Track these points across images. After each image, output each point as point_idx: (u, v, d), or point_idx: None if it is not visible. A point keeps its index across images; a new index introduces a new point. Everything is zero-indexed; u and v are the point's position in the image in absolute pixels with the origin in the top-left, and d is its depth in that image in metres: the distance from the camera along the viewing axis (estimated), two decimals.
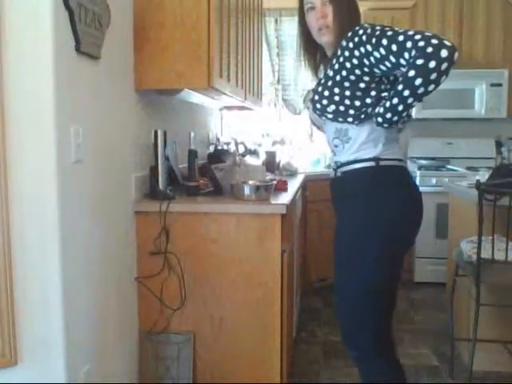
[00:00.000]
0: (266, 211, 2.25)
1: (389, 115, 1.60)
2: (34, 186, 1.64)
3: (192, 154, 2.65)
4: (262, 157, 3.90)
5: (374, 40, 1.58)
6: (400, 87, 1.54)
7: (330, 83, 1.71)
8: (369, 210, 1.67)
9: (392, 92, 1.59)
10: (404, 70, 1.54)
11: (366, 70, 1.64)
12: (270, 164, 3.81)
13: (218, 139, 3.94)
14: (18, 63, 1.58)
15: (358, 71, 1.65)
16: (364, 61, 1.62)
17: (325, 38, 1.75)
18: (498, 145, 4.66)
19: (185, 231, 2.30)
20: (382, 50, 1.56)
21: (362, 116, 1.68)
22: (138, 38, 2.28)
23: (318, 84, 1.79)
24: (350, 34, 1.66)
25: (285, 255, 2.28)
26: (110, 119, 2.07)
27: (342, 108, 1.69)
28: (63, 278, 1.70)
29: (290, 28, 4.73)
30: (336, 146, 1.78)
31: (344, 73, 1.67)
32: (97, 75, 1.94)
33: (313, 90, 1.82)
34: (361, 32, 1.63)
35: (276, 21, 4.74)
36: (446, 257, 3.51)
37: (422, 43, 1.47)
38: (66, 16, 1.69)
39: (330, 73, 1.72)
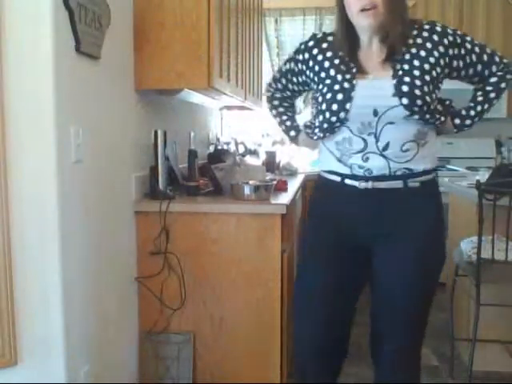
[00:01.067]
0: (266, 211, 2.25)
1: (476, 120, 1.75)
2: (34, 186, 1.64)
3: (192, 154, 2.65)
4: (262, 157, 3.90)
5: (468, 45, 1.65)
6: (492, 95, 1.72)
7: (427, 77, 1.58)
8: (443, 221, 1.74)
9: (481, 99, 1.72)
10: (479, 79, 1.71)
11: (448, 71, 1.65)
12: (270, 164, 3.80)
13: (218, 139, 3.94)
14: (18, 63, 1.58)
15: (446, 70, 1.64)
16: (453, 62, 1.64)
17: (369, 20, 1.56)
18: (498, 145, 4.66)
19: (185, 231, 2.30)
20: (474, 57, 1.66)
21: (443, 119, 1.67)
22: (138, 37, 2.28)
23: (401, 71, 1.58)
24: (438, 29, 1.62)
25: (285, 255, 2.28)
26: (110, 119, 2.07)
27: (432, 106, 1.59)
28: (63, 277, 1.70)
29: (290, 28, 4.73)
30: (405, 151, 1.60)
31: (438, 70, 1.61)
32: (97, 75, 1.94)
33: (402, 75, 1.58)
34: (451, 32, 1.63)
35: (276, 21, 4.74)
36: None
37: (506, 61, 1.70)
38: (66, 16, 1.69)
39: (425, 65, 1.58)
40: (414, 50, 1.59)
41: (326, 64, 1.66)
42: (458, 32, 1.65)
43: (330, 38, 1.71)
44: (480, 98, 1.72)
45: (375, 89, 1.58)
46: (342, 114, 1.58)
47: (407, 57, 1.59)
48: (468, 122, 1.74)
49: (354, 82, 1.59)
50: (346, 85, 1.59)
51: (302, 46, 1.75)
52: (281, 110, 1.95)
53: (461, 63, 1.65)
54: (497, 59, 1.69)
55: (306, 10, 4.71)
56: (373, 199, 1.62)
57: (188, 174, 2.62)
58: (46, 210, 1.65)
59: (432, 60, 1.59)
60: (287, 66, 1.82)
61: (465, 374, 2.60)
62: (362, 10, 1.55)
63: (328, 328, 1.73)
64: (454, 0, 4.40)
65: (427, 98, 1.55)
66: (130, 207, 2.29)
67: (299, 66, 1.77)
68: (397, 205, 1.63)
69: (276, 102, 1.95)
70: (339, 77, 1.61)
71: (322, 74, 1.66)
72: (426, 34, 1.62)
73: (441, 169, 4.39)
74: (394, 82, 1.56)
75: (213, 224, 2.28)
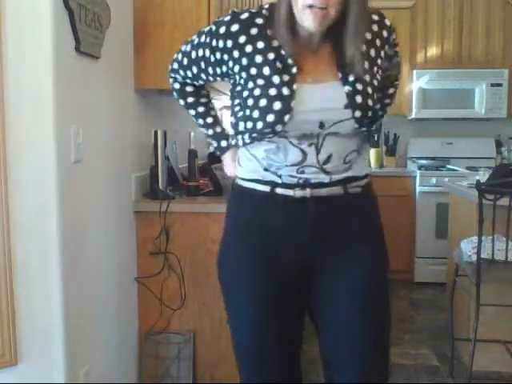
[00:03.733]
0: None
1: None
2: (34, 186, 1.64)
3: (192, 154, 2.65)
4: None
5: (396, 47, 1.49)
6: (391, 91, 1.60)
7: (375, 82, 1.35)
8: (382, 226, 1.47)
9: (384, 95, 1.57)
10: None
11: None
12: None
13: None
14: (18, 63, 1.58)
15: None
16: (383, 61, 1.41)
17: (314, 23, 1.23)
18: (498, 145, 4.66)
19: (185, 231, 2.30)
20: (394, 61, 1.53)
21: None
22: (138, 37, 2.28)
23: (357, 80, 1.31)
24: (387, 22, 1.39)
25: None
26: (110, 119, 2.07)
27: (379, 115, 1.40)
28: (63, 277, 1.70)
29: None
30: (347, 162, 1.35)
31: (380, 72, 1.38)
32: (97, 75, 1.94)
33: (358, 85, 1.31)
34: (393, 28, 1.42)
35: None
36: (446, 257, 3.51)
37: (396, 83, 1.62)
38: (66, 16, 1.69)
39: (374, 68, 1.36)
40: (363, 48, 1.32)
41: (258, 59, 1.29)
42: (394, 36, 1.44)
43: (259, 21, 1.30)
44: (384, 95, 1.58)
45: (323, 98, 1.28)
46: (278, 127, 1.26)
47: (357, 56, 1.30)
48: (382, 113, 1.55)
49: (295, 86, 1.26)
50: (285, 91, 1.26)
51: (222, 30, 1.31)
52: (201, 109, 1.60)
53: (385, 64, 1.44)
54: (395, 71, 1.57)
55: None
56: (311, 210, 1.32)
57: (188, 174, 2.62)
58: (45, 210, 1.65)
59: (379, 61, 1.37)
60: (199, 53, 1.39)
61: (465, 374, 2.60)
62: (310, 7, 1.20)
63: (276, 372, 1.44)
64: (453, 0, 4.41)
65: (376, 107, 1.33)
66: (130, 207, 2.29)
67: (218, 55, 1.34)
68: (339, 215, 1.35)
69: (191, 99, 1.58)
70: (276, 78, 1.27)
71: (253, 71, 1.29)
72: (375, 27, 1.36)
73: (441, 169, 4.40)
74: (346, 90, 1.28)
75: (213, 224, 2.28)
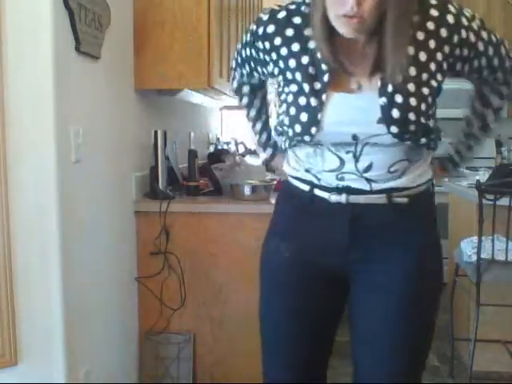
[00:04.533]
0: (265, 211, 2.25)
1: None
2: (34, 186, 1.64)
3: (192, 154, 2.65)
4: (262, 157, 3.89)
5: (481, 46, 1.23)
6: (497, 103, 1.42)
7: (425, 91, 1.18)
8: (439, 245, 1.41)
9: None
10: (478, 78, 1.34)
11: (447, 75, 1.24)
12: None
13: (218, 139, 3.94)
14: (18, 63, 1.58)
15: (446, 75, 1.23)
16: (457, 65, 1.23)
17: (349, 30, 1.09)
18: (498, 145, 4.66)
19: (185, 231, 2.30)
20: (484, 61, 1.26)
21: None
22: (138, 37, 2.28)
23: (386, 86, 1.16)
24: (451, 19, 1.17)
25: None
26: (110, 119, 2.07)
27: (429, 127, 1.24)
28: (63, 277, 1.69)
29: None
30: (394, 172, 1.23)
31: (439, 77, 1.20)
32: (97, 75, 1.94)
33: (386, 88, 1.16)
34: (466, 25, 1.19)
35: None
36: (446, 257, 3.49)
37: None
38: (66, 16, 1.69)
39: (423, 74, 1.17)
40: (411, 51, 1.15)
41: (292, 63, 1.21)
42: (474, 24, 1.20)
43: (297, 20, 1.21)
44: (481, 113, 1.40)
45: (354, 111, 1.17)
46: (306, 138, 1.20)
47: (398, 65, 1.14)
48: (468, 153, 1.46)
49: (324, 97, 1.17)
50: (313, 101, 1.17)
51: (260, 31, 1.25)
52: (252, 113, 1.54)
53: (466, 67, 1.24)
54: (507, 65, 1.30)
55: None
56: (345, 216, 1.24)
57: (188, 174, 2.62)
58: (45, 210, 1.65)
59: (433, 66, 1.17)
60: (247, 52, 1.33)
61: (465, 374, 2.60)
62: (344, 16, 1.08)
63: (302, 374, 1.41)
64: (453, 0, 4.40)
65: (422, 120, 1.17)
66: (130, 207, 2.29)
67: (260, 55, 1.28)
68: (378, 226, 1.26)
69: (245, 100, 1.53)
70: (306, 86, 1.19)
71: (288, 75, 1.22)
72: (431, 25, 1.16)
73: None
74: (382, 102, 1.15)
75: (213, 224, 2.28)
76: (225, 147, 3.63)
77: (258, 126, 1.55)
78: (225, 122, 4.26)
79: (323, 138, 1.19)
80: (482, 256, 2.35)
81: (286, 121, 1.22)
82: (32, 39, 1.59)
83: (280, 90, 1.27)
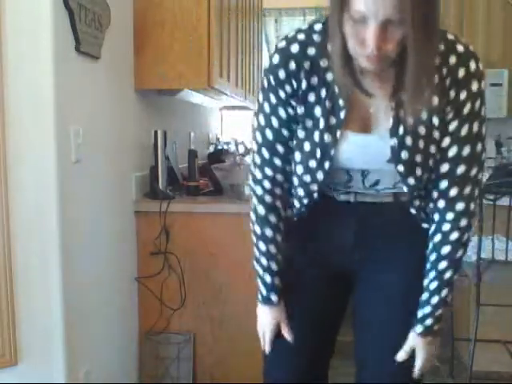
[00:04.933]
0: None
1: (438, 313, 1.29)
2: (34, 186, 1.64)
3: (192, 154, 2.65)
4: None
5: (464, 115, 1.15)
6: (448, 274, 1.23)
7: (436, 134, 1.15)
8: None
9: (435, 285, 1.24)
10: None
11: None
12: None
13: (217, 139, 3.94)
14: (18, 63, 1.58)
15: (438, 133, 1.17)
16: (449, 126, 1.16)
17: (373, 66, 1.05)
18: (498, 145, 4.66)
19: (185, 231, 2.30)
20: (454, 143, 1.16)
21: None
22: (138, 37, 2.28)
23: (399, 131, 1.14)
24: (451, 60, 1.12)
25: None
26: (110, 119, 2.07)
27: (430, 165, 1.19)
28: (63, 277, 1.70)
29: (290, 28, 4.73)
30: (397, 187, 1.25)
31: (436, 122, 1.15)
32: (97, 75, 1.94)
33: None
34: (475, 87, 1.13)
35: (276, 21, 4.74)
36: None
37: (472, 207, 1.20)
38: (66, 16, 1.69)
39: (434, 118, 1.14)
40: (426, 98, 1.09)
41: (312, 97, 1.16)
42: (473, 87, 1.13)
43: (311, 52, 1.14)
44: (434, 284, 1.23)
45: (365, 151, 1.17)
46: (319, 174, 1.20)
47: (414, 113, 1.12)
48: (429, 321, 1.25)
49: (338, 134, 1.15)
50: (327, 137, 1.15)
51: (282, 74, 1.15)
52: (272, 249, 1.29)
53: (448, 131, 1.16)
54: (468, 185, 1.18)
55: (306, 10, 4.71)
56: (353, 216, 1.27)
57: (188, 174, 2.62)
58: (45, 210, 1.65)
59: (440, 116, 1.14)
60: (281, 114, 1.19)
61: (465, 374, 2.60)
62: (368, 57, 1.02)
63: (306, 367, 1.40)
64: (453, 0, 4.40)
65: (429, 165, 1.17)
66: (130, 207, 2.29)
67: (289, 108, 1.19)
68: (383, 225, 1.27)
69: (270, 232, 1.28)
70: (322, 122, 1.15)
71: (307, 110, 1.18)
72: (445, 71, 1.11)
73: None
74: (392, 143, 1.14)
75: (213, 224, 2.28)
76: (225, 147, 3.63)
77: (274, 265, 1.30)
78: (225, 122, 4.26)
79: (333, 169, 1.20)
80: (482, 256, 2.35)
81: (298, 157, 1.21)
82: (32, 39, 1.59)
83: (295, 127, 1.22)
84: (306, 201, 1.26)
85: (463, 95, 1.12)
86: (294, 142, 1.21)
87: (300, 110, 1.17)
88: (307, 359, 1.38)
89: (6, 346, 1.64)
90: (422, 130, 1.13)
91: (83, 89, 1.83)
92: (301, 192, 1.25)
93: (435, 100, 1.11)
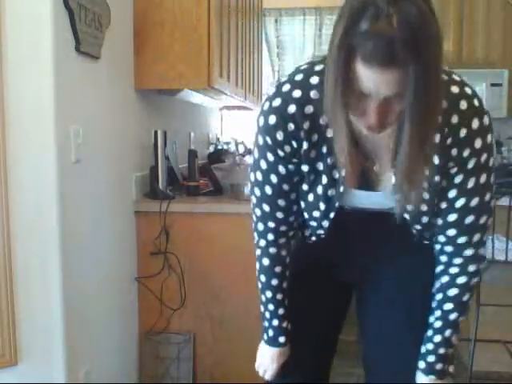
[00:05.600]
0: None
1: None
2: (34, 186, 1.64)
3: (192, 154, 2.65)
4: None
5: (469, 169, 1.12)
6: (453, 316, 1.27)
7: (439, 184, 1.13)
8: None
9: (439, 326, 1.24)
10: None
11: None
12: None
13: (217, 139, 3.94)
14: (18, 63, 1.58)
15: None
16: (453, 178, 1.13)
17: (370, 134, 1.03)
18: (498, 145, 4.66)
19: (185, 231, 2.30)
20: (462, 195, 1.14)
21: None
22: (138, 37, 2.28)
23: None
24: (453, 120, 1.06)
25: None
26: (110, 119, 2.07)
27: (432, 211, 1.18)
28: (63, 277, 1.70)
29: (290, 28, 4.74)
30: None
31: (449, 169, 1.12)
32: (97, 75, 1.94)
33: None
34: (480, 144, 1.10)
35: (276, 21, 4.74)
36: None
37: (481, 252, 1.19)
38: (66, 16, 1.69)
39: (435, 177, 1.12)
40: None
41: (313, 154, 1.13)
42: (477, 144, 1.09)
43: (309, 110, 1.08)
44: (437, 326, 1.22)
45: (369, 203, 1.18)
46: (324, 222, 1.20)
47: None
48: (431, 358, 1.22)
49: (342, 189, 1.14)
50: (331, 192, 1.15)
51: (280, 135, 1.11)
52: (279, 296, 1.30)
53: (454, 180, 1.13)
54: (476, 233, 1.16)
55: (306, 10, 4.71)
56: (358, 224, 1.23)
57: (188, 174, 2.62)
58: (45, 210, 1.65)
59: (442, 169, 1.11)
60: (281, 171, 1.16)
61: (465, 374, 2.60)
62: (369, 128, 0.99)
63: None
64: (453, 0, 4.40)
65: (430, 211, 1.16)
66: (130, 207, 2.29)
67: (289, 165, 1.16)
68: (389, 234, 1.22)
69: (275, 282, 1.30)
70: (324, 177, 1.14)
71: (308, 166, 1.15)
72: (447, 131, 1.07)
73: None
74: (397, 197, 1.11)
75: (213, 224, 2.28)
76: (225, 147, 3.63)
77: (281, 310, 1.31)
78: (225, 121, 4.26)
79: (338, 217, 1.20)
80: None
81: (303, 205, 1.21)
82: (32, 39, 1.59)
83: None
84: (320, 231, 1.25)
85: (466, 153, 1.09)
86: (301, 190, 1.19)
87: (303, 167, 1.14)
88: (310, 359, 1.38)
89: (6, 346, 1.64)
90: (425, 184, 1.10)
91: (83, 89, 1.83)
92: (313, 223, 1.24)
93: (436, 160, 1.08)
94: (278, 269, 1.27)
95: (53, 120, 1.63)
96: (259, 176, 1.18)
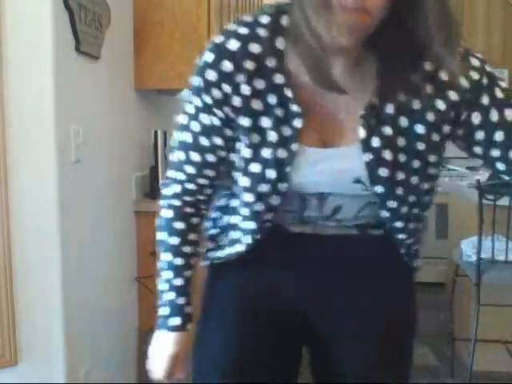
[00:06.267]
0: None
1: None
2: (34, 186, 1.64)
3: None
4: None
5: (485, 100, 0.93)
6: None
7: (419, 146, 0.92)
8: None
9: None
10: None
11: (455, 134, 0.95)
12: None
13: None
14: (18, 63, 1.58)
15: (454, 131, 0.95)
16: (471, 120, 0.93)
17: (347, 22, 0.78)
18: None
19: None
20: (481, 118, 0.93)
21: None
22: (138, 37, 2.28)
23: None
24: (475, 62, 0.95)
25: None
26: (110, 119, 2.07)
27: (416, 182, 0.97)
28: (63, 277, 1.70)
29: None
30: (361, 217, 1.01)
31: (446, 129, 0.93)
32: (97, 75, 1.94)
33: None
34: (479, 65, 0.97)
35: None
36: (446, 257, 3.51)
37: None
38: (66, 16, 1.69)
39: (416, 126, 0.91)
40: (401, 97, 0.89)
41: (257, 104, 0.90)
42: (487, 68, 0.97)
43: (254, 49, 0.89)
44: None
45: (330, 170, 0.92)
46: (273, 199, 0.94)
47: (389, 110, 0.89)
48: None
49: (294, 147, 0.90)
50: (281, 153, 0.90)
51: (212, 75, 0.90)
52: (178, 261, 1.16)
53: (475, 121, 0.92)
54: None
55: None
56: (310, 252, 1.01)
57: None
58: (45, 210, 1.65)
59: (431, 116, 0.90)
60: (204, 122, 0.95)
61: (465, 374, 2.60)
62: (343, 7, 0.78)
63: None
64: (454, 0, 4.40)
65: (415, 182, 0.94)
66: (130, 207, 2.29)
67: (219, 112, 0.93)
68: (348, 262, 1.01)
69: (175, 240, 1.15)
70: (273, 134, 0.90)
71: (250, 122, 0.91)
72: (429, 64, 0.89)
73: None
74: (367, 158, 0.90)
75: None
76: None
77: (179, 281, 1.18)
78: None
79: (290, 194, 0.95)
80: (482, 256, 2.35)
81: (246, 182, 0.94)
82: (32, 39, 1.59)
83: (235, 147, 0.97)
84: (256, 235, 0.99)
85: (485, 80, 0.94)
86: (238, 164, 0.96)
87: (244, 121, 0.91)
88: None
89: (6, 346, 1.64)
90: (401, 142, 0.91)
91: (83, 89, 1.83)
92: (250, 225, 0.99)
93: (428, 89, 0.89)
94: (179, 225, 1.08)
95: (53, 120, 1.63)
96: (183, 119, 0.97)
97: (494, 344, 2.67)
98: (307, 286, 1.02)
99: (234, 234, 1.04)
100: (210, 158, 0.97)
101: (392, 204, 0.94)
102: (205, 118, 0.94)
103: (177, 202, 1.09)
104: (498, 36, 4.40)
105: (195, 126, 0.96)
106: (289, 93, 0.89)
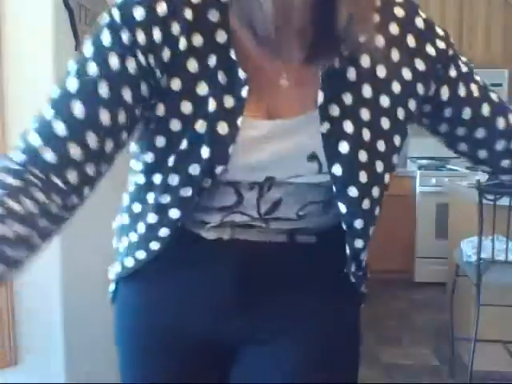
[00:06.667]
0: None
1: None
2: None
3: None
4: None
5: (453, 71, 0.82)
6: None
7: (384, 123, 0.77)
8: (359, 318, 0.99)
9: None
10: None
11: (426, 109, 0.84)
12: None
13: None
14: (18, 63, 1.58)
15: (425, 107, 0.83)
16: (441, 92, 0.82)
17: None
18: None
19: None
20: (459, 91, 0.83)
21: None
22: None
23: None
24: (419, 22, 0.79)
25: None
26: None
27: (388, 175, 0.81)
28: (63, 277, 1.70)
29: None
30: (302, 216, 0.83)
31: (413, 104, 0.80)
32: None
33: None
34: (442, 34, 0.81)
35: None
36: (446, 257, 3.51)
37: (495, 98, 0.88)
38: (66, 16, 1.69)
39: (381, 97, 0.77)
40: (365, 62, 0.75)
41: (192, 65, 0.72)
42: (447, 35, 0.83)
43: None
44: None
45: (279, 149, 0.76)
46: (205, 182, 0.75)
47: (351, 75, 0.75)
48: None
49: (239, 121, 0.73)
50: (222, 127, 0.73)
51: (140, 13, 0.72)
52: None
53: (444, 96, 0.82)
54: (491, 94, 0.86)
55: None
56: (229, 262, 0.82)
57: None
58: None
59: (397, 87, 0.77)
60: (111, 63, 0.73)
61: (465, 374, 2.60)
62: None
63: None
64: (453, 0, 4.41)
65: (378, 168, 0.77)
66: None
67: (139, 57, 0.72)
68: (275, 275, 0.83)
69: (32, 205, 0.71)
70: (212, 103, 0.72)
71: (181, 86, 0.73)
72: (395, 27, 0.77)
73: (441, 169, 4.40)
74: (324, 129, 0.75)
75: None
76: None
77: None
78: None
79: (224, 178, 0.76)
80: (482, 256, 2.35)
81: (171, 161, 0.77)
82: (32, 39, 1.59)
83: (156, 116, 0.77)
84: (165, 232, 0.83)
85: (450, 51, 0.82)
86: (161, 141, 0.79)
87: (174, 84, 0.72)
88: None
89: (6, 346, 1.64)
90: (365, 115, 0.76)
91: None
92: (155, 219, 0.85)
93: (380, 41, 0.76)
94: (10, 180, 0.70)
95: None
96: (73, 65, 0.78)
97: (493, 344, 2.68)
98: (229, 305, 0.84)
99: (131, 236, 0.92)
100: (104, 116, 0.73)
101: (352, 192, 0.76)
102: (113, 60, 0.72)
103: (20, 157, 0.75)
104: (497, 36, 4.40)
105: (92, 69, 0.72)
106: (233, 55, 0.72)
